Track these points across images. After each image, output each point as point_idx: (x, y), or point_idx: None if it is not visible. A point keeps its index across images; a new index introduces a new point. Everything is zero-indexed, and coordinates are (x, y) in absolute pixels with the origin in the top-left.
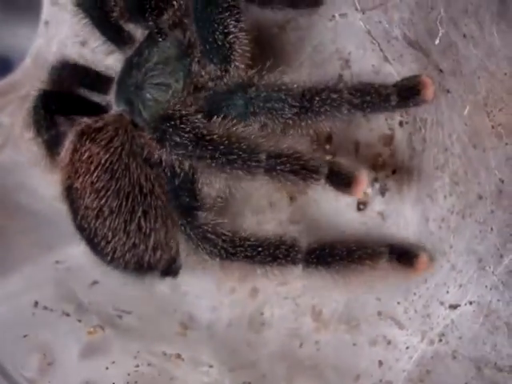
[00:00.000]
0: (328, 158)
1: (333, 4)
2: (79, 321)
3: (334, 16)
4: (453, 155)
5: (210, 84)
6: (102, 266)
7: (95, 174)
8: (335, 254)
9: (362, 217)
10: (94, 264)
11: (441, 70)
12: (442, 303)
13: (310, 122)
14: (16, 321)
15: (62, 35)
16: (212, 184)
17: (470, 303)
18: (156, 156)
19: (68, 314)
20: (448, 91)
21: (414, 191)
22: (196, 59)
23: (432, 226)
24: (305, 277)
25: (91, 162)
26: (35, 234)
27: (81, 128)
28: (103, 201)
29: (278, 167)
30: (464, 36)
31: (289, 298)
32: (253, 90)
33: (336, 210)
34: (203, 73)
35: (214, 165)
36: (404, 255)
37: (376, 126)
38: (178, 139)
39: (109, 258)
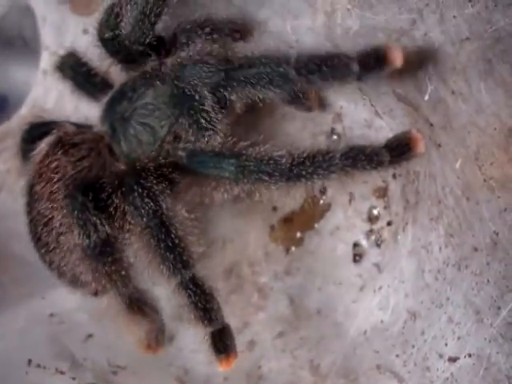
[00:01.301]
0: None
1: None
2: (73, 378)
3: None
4: (446, 207)
5: (193, 139)
6: (98, 319)
7: (56, 186)
8: None
9: (358, 268)
10: (89, 316)
11: (431, 124)
12: (441, 356)
13: (300, 184)
14: (8, 381)
15: (60, 86)
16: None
17: (470, 356)
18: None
19: (62, 372)
20: (439, 145)
21: (410, 243)
22: (185, 113)
23: (428, 278)
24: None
25: (56, 173)
26: (29, 283)
27: (59, 135)
28: (55, 213)
29: None
30: (453, 92)
31: (286, 350)
32: (244, 159)
33: (332, 262)
34: (188, 127)
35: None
36: None
37: (370, 178)
38: (138, 204)
39: (47, 263)
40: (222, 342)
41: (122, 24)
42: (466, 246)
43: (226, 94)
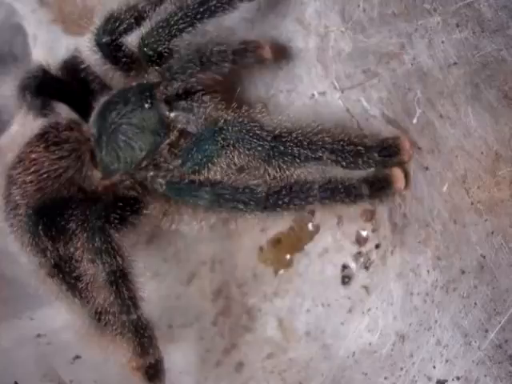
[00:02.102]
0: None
1: (312, 82)
2: None
3: (313, 94)
4: (434, 230)
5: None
6: (85, 340)
7: (30, 177)
8: None
9: (347, 290)
10: (77, 337)
11: (419, 148)
12: (429, 379)
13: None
14: None
15: None
16: None
17: (458, 378)
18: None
19: None
20: (427, 168)
21: (398, 265)
22: (168, 144)
23: (416, 301)
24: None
25: (33, 164)
26: (17, 304)
27: (46, 129)
28: (23, 202)
29: None
30: (441, 116)
31: (275, 372)
32: (220, 187)
33: (321, 284)
34: (168, 159)
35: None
36: None
37: None
38: (96, 257)
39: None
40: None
41: (121, 29)
42: (453, 268)
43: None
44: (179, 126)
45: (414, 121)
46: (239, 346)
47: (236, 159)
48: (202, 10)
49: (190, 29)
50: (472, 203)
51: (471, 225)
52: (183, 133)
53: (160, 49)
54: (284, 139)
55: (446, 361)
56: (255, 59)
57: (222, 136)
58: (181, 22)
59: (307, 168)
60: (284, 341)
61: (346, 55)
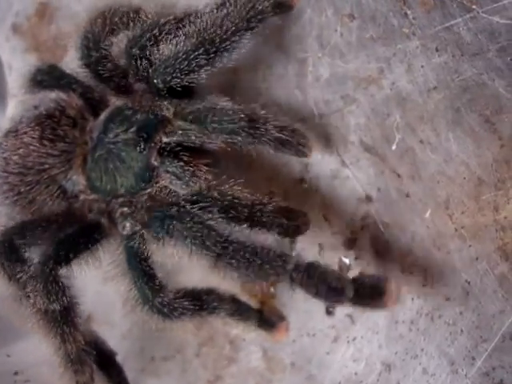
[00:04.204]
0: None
1: (291, 109)
2: None
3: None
4: (418, 258)
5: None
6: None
7: (15, 157)
8: None
9: (331, 319)
10: (55, 372)
11: (398, 175)
12: None
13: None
14: None
15: None
16: None
17: None
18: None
19: None
20: (407, 195)
21: None
22: (147, 194)
23: (401, 329)
24: None
25: (22, 148)
26: None
27: (54, 109)
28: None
29: None
30: (421, 141)
31: None
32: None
33: (305, 314)
34: (141, 209)
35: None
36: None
37: (338, 229)
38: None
39: None
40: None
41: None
42: (438, 295)
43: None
44: (162, 182)
45: (394, 147)
46: (223, 378)
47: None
48: (225, 45)
49: (209, 67)
50: (456, 229)
51: (455, 251)
52: (167, 190)
53: (173, 83)
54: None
55: None
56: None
57: (169, 223)
58: (202, 57)
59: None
60: (269, 371)
61: (324, 81)
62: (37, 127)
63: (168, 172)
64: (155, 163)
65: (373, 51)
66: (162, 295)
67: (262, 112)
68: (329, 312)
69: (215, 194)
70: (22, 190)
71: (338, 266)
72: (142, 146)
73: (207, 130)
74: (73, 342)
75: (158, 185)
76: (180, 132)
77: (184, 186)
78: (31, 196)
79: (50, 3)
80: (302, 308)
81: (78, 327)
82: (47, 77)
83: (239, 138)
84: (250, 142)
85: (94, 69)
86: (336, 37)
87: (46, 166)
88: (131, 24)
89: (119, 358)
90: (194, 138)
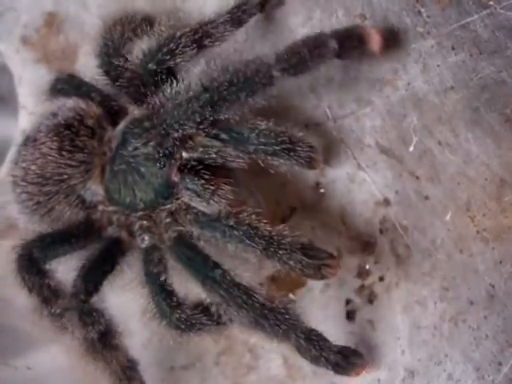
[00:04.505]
0: None
1: (304, 114)
2: None
3: (306, 125)
4: (439, 261)
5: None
6: None
7: (34, 167)
8: None
9: (352, 325)
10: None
11: (417, 177)
12: None
13: None
14: None
15: None
16: None
17: None
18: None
19: None
20: (426, 197)
21: (403, 298)
22: (167, 211)
23: (424, 334)
24: None
25: (40, 158)
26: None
27: (72, 119)
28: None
29: None
30: (439, 143)
31: None
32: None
33: (325, 320)
34: (161, 225)
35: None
36: None
37: (356, 234)
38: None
39: None
40: None
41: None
42: (461, 299)
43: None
44: (183, 199)
45: (411, 148)
46: None
47: None
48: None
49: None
50: (478, 231)
51: (478, 254)
52: (187, 207)
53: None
54: None
55: None
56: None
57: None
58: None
59: None
60: (289, 379)
61: (336, 83)
62: (55, 137)
63: (188, 189)
64: (175, 179)
65: (386, 52)
66: (179, 312)
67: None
68: (349, 317)
69: (232, 223)
70: (41, 199)
71: (358, 271)
72: (163, 162)
73: (245, 149)
74: (116, 363)
75: (178, 202)
76: (201, 149)
77: (205, 204)
78: (50, 205)
79: (58, 13)
80: (321, 314)
81: (118, 347)
82: (66, 85)
83: (281, 161)
84: (287, 164)
85: (114, 76)
86: None
87: (65, 177)
88: (145, 34)
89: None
90: (214, 155)
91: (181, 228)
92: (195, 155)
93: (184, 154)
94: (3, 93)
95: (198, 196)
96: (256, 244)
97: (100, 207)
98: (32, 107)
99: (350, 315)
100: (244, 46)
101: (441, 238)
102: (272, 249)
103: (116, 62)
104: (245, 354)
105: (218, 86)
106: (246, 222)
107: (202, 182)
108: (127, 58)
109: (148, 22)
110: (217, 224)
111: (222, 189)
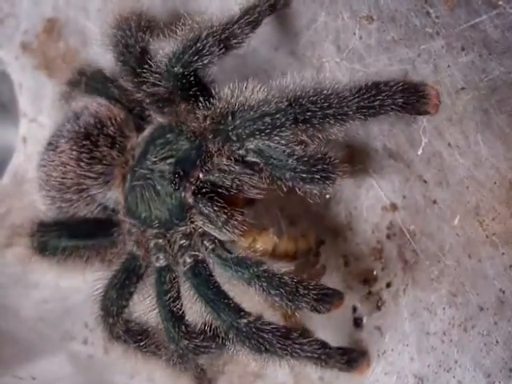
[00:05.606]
0: None
1: None
2: None
3: None
4: (447, 266)
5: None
6: None
7: (55, 173)
8: None
9: (360, 332)
10: None
11: (425, 181)
12: None
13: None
14: None
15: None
16: None
17: None
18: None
19: None
20: (434, 202)
21: (411, 304)
22: (182, 234)
23: (433, 340)
24: None
25: (60, 166)
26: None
27: (92, 127)
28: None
29: None
30: (449, 145)
31: None
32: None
33: (332, 327)
34: (175, 249)
35: None
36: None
37: (362, 239)
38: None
39: None
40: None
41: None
42: (470, 305)
43: None
44: (197, 223)
45: (419, 152)
46: None
47: None
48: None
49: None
50: (487, 236)
51: (487, 259)
52: (204, 232)
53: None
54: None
55: None
56: None
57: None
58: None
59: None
60: None
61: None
62: (74, 147)
63: (202, 214)
64: (190, 201)
65: (395, 53)
66: (187, 339)
67: None
68: (356, 324)
69: (260, 273)
70: (63, 205)
71: (365, 277)
72: (177, 184)
73: (281, 176)
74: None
75: (192, 225)
76: (216, 174)
77: (218, 232)
78: (72, 212)
79: (58, 19)
80: (329, 322)
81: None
82: (91, 81)
83: (313, 187)
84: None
85: (135, 71)
86: (354, 40)
87: (84, 187)
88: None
89: None
90: (229, 183)
91: (197, 253)
92: (211, 178)
93: (201, 176)
94: (4, 100)
95: (211, 223)
96: (279, 298)
97: (121, 215)
98: (32, 115)
99: (358, 322)
100: (247, 49)
101: (449, 243)
102: (292, 299)
103: (135, 51)
104: (250, 362)
105: (305, 104)
106: (264, 267)
107: (216, 208)
108: (147, 46)
109: (154, 22)
110: (243, 270)
111: (235, 218)
